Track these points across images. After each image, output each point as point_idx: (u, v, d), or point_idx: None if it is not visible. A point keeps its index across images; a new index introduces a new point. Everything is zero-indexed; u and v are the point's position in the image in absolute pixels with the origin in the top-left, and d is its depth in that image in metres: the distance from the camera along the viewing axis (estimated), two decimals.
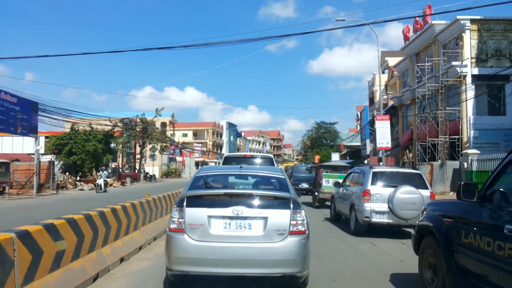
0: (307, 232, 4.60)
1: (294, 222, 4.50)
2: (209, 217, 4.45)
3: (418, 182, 9.64)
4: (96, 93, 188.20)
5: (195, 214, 4.50)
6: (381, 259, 7.05)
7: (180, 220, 4.51)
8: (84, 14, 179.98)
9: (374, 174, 9.86)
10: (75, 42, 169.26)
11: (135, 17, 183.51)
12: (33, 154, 23.64)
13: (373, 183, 9.69)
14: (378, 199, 9.41)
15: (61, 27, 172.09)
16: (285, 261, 4.41)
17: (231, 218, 4.46)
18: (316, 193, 17.02)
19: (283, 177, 5.46)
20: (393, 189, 9.25)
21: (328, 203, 14.73)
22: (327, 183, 16.57)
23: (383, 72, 50.45)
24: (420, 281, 5.04)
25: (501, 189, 3.83)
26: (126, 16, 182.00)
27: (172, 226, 4.54)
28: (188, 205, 4.56)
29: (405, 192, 9.09)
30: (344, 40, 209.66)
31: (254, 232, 4.44)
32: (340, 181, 12.98)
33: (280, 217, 4.51)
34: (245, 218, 4.45)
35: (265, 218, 4.46)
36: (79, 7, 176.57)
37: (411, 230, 9.57)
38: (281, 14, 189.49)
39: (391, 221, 9.29)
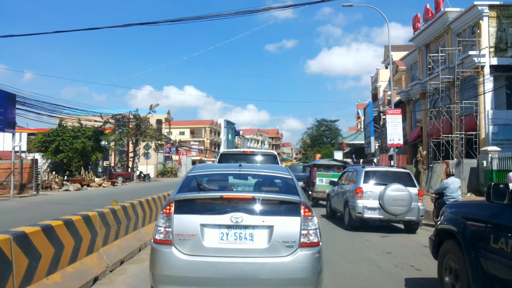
0: (320, 243, 3.90)
1: (305, 232, 3.81)
2: (202, 226, 3.76)
3: (406, 180, 10.34)
4: (96, 92, 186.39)
5: (185, 222, 3.79)
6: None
7: (167, 229, 3.79)
8: (84, 14, 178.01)
9: (366, 173, 10.54)
10: (75, 41, 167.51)
11: (135, 18, 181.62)
12: (17, 152, 21.68)
13: (365, 181, 10.33)
14: (370, 196, 10.07)
15: (61, 26, 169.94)
16: (295, 280, 3.74)
17: (229, 227, 3.76)
18: (310, 192, 16.81)
19: (290, 177, 4.63)
20: (383, 186, 9.93)
21: (321, 202, 14.68)
22: (321, 182, 16.80)
23: (386, 68, 48.79)
24: (440, 287, 4.86)
25: None
26: (126, 16, 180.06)
27: (158, 236, 3.82)
28: (177, 211, 3.84)
29: (395, 190, 9.75)
30: (342, 40, 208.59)
31: (257, 244, 3.75)
32: (335, 180, 13.39)
33: (289, 225, 3.82)
34: (246, 227, 3.77)
35: (270, 227, 3.77)
36: (79, 6, 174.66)
37: (401, 226, 10.81)
38: (280, 15, 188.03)
39: (382, 216, 9.99)
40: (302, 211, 3.89)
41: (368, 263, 6.69)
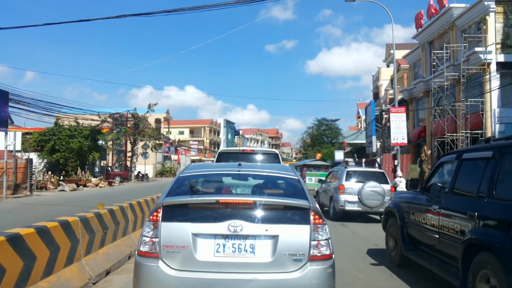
0: (333, 256, 3.41)
1: (315, 243, 3.31)
2: (195, 235, 3.26)
3: (381, 178, 12.21)
4: (97, 92, 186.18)
5: (174, 231, 3.28)
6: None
7: (153, 239, 3.28)
8: (85, 13, 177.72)
9: (348, 172, 12.46)
10: (76, 40, 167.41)
11: (137, 17, 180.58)
12: (11, 151, 21.09)
13: (347, 179, 12.17)
14: (351, 192, 11.84)
15: (57, 26, 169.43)
16: None
17: (226, 237, 3.27)
18: None
19: (296, 177, 4.11)
20: (362, 184, 11.68)
21: None
22: (310, 180, 18.39)
23: (387, 66, 48.17)
24: (386, 250, 6.93)
25: (434, 183, 5.72)
26: (123, 18, 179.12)
27: (142, 248, 3.31)
28: (165, 219, 3.32)
29: (371, 186, 11.43)
30: (342, 40, 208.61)
31: (259, 257, 3.25)
32: (323, 178, 15.34)
33: (296, 235, 3.31)
34: (246, 237, 3.27)
35: (275, 237, 3.28)
36: (79, 5, 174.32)
37: (376, 217, 12.63)
38: (280, 16, 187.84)
39: (360, 209, 11.76)
40: (311, 218, 3.38)
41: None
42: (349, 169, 12.85)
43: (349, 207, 11.84)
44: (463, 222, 4.43)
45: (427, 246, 5.38)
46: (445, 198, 5.02)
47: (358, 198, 11.58)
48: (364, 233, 10.02)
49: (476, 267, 4.02)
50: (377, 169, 13.95)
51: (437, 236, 4.98)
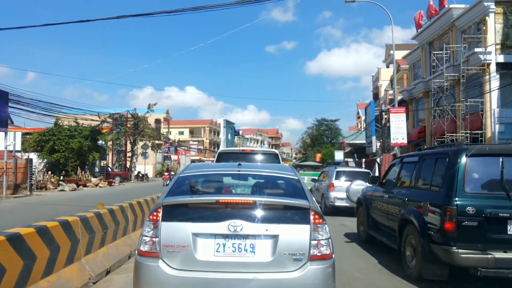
0: (333, 256, 3.40)
1: (315, 242, 3.31)
2: (195, 235, 3.27)
3: (367, 177, 12.91)
4: (98, 93, 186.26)
5: (174, 231, 3.29)
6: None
7: (153, 239, 3.29)
8: (85, 13, 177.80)
9: (338, 172, 13.85)
10: (76, 40, 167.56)
11: (137, 18, 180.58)
12: (11, 151, 21.07)
13: (336, 178, 13.50)
14: (340, 190, 13.05)
15: (59, 30, 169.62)
16: None
17: (226, 236, 3.28)
18: None
19: (296, 177, 4.17)
20: (349, 182, 12.54)
21: None
22: (303, 179, 21.70)
23: (387, 67, 48.14)
24: (357, 232, 8.95)
25: (388, 179, 7.66)
26: (124, 22, 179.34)
27: (143, 248, 3.32)
28: (165, 218, 3.34)
29: (357, 185, 12.02)
30: (342, 41, 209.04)
31: (259, 257, 3.26)
32: (316, 177, 16.83)
33: (296, 235, 3.32)
34: (246, 236, 3.28)
35: (275, 237, 3.28)
36: (79, 5, 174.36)
37: None
38: (281, 17, 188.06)
39: (348, 204, 12.59)
40: (311, 217, 3.39)
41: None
42: (338, 169, 14.24)
43: (338, 203, 13.05)
44: (400, 206, 6.40)
45: (382, 225, 7.36)
46: (392, 189, 7.01)
47: (346, 195, 12.47)
48: None
49: (406, 235, 5.92)
50: (363, 169, 15.69)
51: (387, 217, 6.98)
